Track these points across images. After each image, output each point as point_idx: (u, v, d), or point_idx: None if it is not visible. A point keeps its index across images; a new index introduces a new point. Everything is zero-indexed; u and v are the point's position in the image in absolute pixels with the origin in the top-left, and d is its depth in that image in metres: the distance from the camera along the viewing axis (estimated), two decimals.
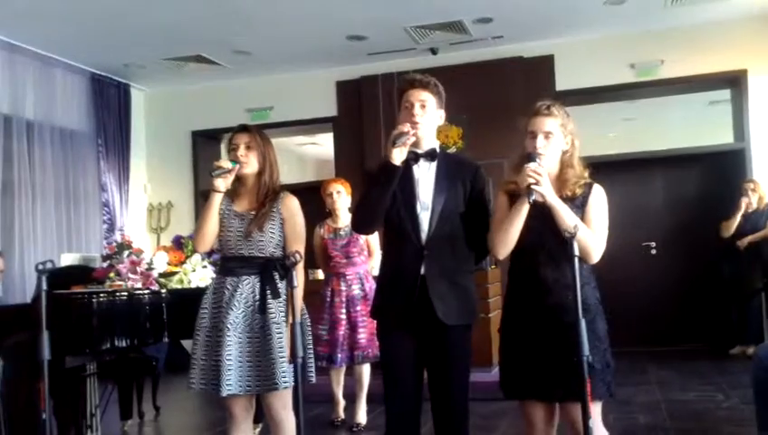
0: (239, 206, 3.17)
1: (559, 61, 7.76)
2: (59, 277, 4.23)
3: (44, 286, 2.86)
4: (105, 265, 4.59)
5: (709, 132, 8.42)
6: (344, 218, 5.01)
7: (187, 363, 3.15)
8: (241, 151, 3.11)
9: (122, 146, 8.47)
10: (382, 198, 2.75)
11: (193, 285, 4.54)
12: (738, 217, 7.02)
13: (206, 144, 8.94)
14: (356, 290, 4.91)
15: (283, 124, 8.55)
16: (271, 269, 3.07)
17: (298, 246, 3.08)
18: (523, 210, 2.55)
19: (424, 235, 2.77)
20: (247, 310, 3.05)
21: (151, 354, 5.46)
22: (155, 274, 4.43)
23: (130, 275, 4.37)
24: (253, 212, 3.12)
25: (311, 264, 5.57)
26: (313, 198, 5.18)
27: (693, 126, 9.44)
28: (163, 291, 4.33)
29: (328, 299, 4.93)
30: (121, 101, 8.53)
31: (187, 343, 4.46)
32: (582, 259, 2.54)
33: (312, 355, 3.20)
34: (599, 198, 2.65)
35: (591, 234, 2.58)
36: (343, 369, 5.03)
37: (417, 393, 2.83)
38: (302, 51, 7.77)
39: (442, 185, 2.81)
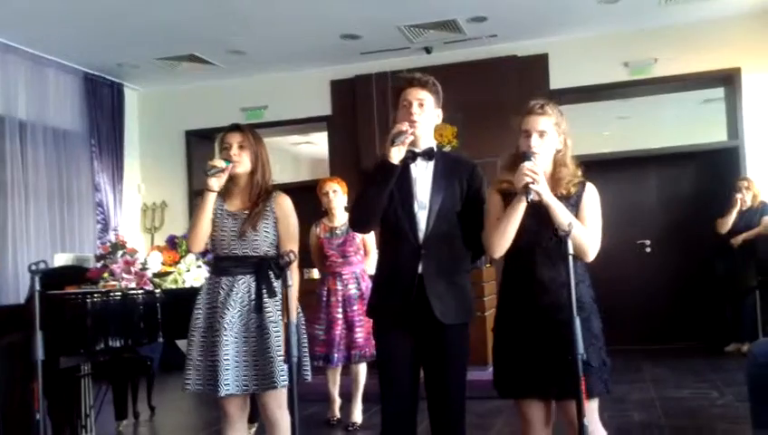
0: (231, 205, 3.16)
1: (553, 59, 7.77)
2: (53, 278, 4.22)
3: (38, 287, 2.85)
4: (99, 265, 4.57)
5: (703, 130, 8.44)
6: (340, 217, 5.00)
7: (181, 363, 3.14)
8: (234, 151, 3.10)
9: (116, 146, 8.44)
10: (380, 196, 2.75)
11: (187, 285, 4.53)
12: (734, 214, 7.04)
13: (200, 144, 8.92)
14: (352, 289, 4.90)
15: (277, 123, 8.55)
16: (266, 268, 3.06)
17: (292, 245, 3.07)
18: (520, 209, 2.54)
19: (421, 234, 2.77)
20: (243, 310, 3.04)
21: (146, 354, 5.45)
22: (149, 274, 4.42)
23: (124, 276, 4.36)
24: (246, 211, 3.11)
25: (306, 263, 5.56)
26: (308, 198, 5.17)
27: (687, 124, 9.45)
28: (157, 291, 4.32)
29: (324, 299, 4.92)
30: (115, 100, 8.51)
31: (181, 343, 4.45)
32: (578, 257, 2.55)
33: (306, 353, 3.19)
34: (592, 197, 2.66)
35: (587, 232, 2.59)
36: (339, 368, 5.03)
37: (413, 392, 2.82)
38: (297, 50, 7.76)
39: (439, 184, 2.81)
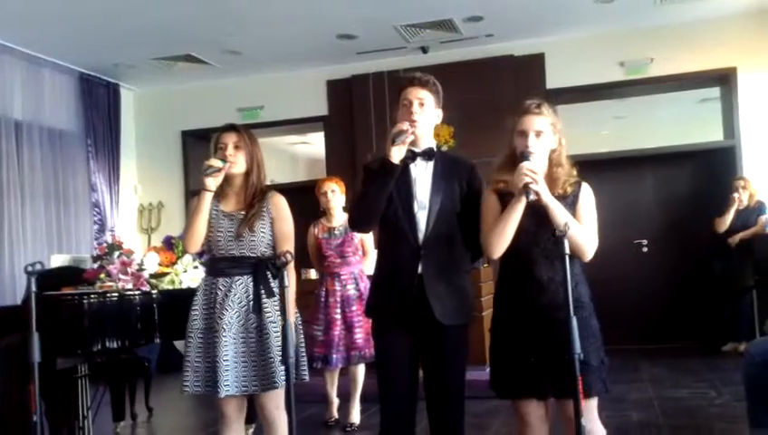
0: (227, 206, 3.15)
1: (549, 59, 7.77)
2: (49, 279, 4.20)
3: (34, 288, 2.84)
4: (96, 266, 4.55)
5: (699, 130, 8.46)
6: (339, 218, 4.98)
7: (179, 364, 3.13)
8: (229, 151, 3.09)
9: (112, 146, 8.42)
10: (380, 196, 2.75)
11: (184, 286, 4.51)
12: (732, 213, 7.04)
13: (196, 144, 8.89)
14: (351, 290, 4.88)
15: (273, 124, 8.54)
16: (263, 269, 3.05)
17: (288, 245, 3.07)
18: (519, 209, 2.54)
19: (421, 234, 2.77)
20: (241, 310, 3.03)
21: (143, 355, 5.43)
22: (146, 274, 4.40)
23: (121, 276, 4.34)
24: (242, 212, 3.10)
25: (303, 263, 5.55)
26: (305, 198, 5.17)
27: (683, 124, 9.48)
28: (154, 292, 4.31)
29: (323, 299, 4.90)
30: (111, 100, 8.48)
31: (179, 344, 4.44)
32: (577, 257, 2.55)
33: (304, 353, 3.19)
34: (589, 196, 2.67)
35: (585, 231, 2.59)
36: (338, 370, 5.02)
37: (412, 393, 2.82)
38: (293, 50, 7.76)
39: (439, 184, 2.81)
